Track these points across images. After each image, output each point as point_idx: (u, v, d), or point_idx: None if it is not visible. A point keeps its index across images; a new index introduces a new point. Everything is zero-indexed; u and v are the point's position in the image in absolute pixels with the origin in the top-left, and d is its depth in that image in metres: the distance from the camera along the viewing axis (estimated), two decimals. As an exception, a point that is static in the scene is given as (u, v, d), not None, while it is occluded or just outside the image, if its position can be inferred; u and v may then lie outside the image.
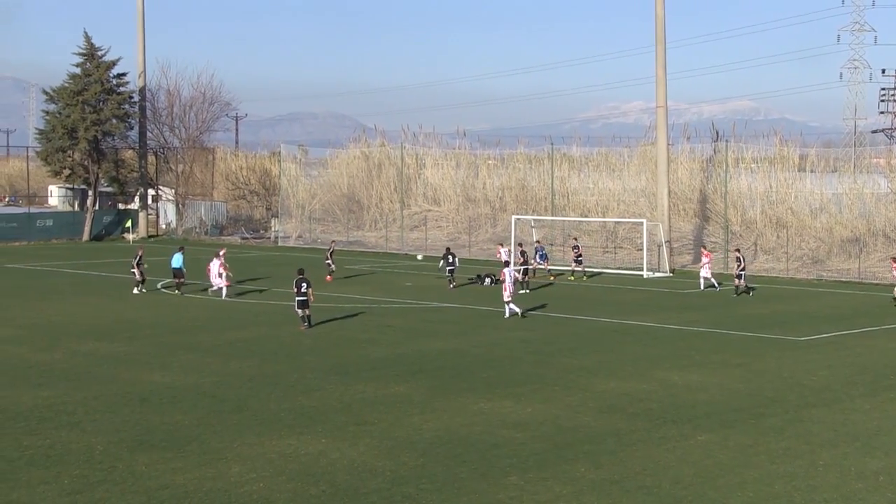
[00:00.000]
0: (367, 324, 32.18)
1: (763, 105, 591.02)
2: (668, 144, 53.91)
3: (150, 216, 75.87)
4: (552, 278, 46.68)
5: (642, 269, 48.83)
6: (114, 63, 70.17)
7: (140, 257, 40.29)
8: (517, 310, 33.61)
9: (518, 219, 53.87)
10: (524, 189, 65.90)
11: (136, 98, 73.11)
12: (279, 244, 68.12)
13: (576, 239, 50.41)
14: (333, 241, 50.95)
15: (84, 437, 18.10)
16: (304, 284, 30.50)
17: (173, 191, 77.82)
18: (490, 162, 70.58)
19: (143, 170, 74.86)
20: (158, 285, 41.56)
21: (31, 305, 36.39)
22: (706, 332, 31.22)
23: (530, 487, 15.47)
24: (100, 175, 71.02)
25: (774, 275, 49.37)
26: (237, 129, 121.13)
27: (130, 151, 75.20)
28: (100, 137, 69.29)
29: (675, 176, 57.98)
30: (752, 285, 42.55)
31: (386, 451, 17.34)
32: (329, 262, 45.45)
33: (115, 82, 70.27)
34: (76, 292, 40.70)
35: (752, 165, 59.05)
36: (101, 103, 69.37)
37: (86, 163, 70.27)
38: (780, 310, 37.00)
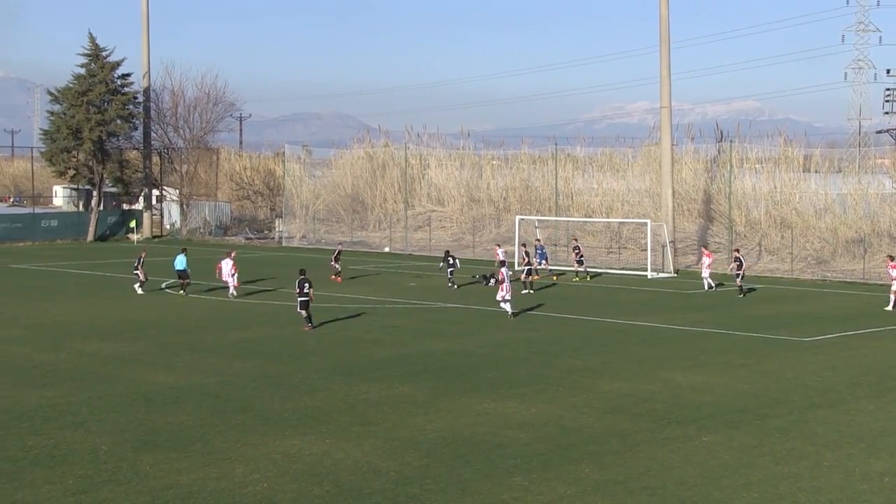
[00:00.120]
0: (371, 324, 32.18)
1: (767, 105, 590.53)
2: (673, 145, 53.90)
3: (154, 217, 75.96)
4: (554, 278, 46.68)
5: (646, 270, 48.81)
6: (118, 64, 70.31)
7: (142, 259, 40.28)
8: (509, 307, 33.56)
9: (522, 219, 53.89)
10: (528, 189, 65.89)
11: (141, 98, 73.24)
12: (283, 244, 68.19)
13: (576, 239, 50.38)
14: (341, 243, 50.88)
15: (89, 438, 18.12)
16: (307, 285, 30.51)
17: (177, 191, 77.91)
18: (494, 162, 70.58)
19: (147, 170, 74.96)
20: (163, 285, 41.60)
21: (35, 305, 36.43)
22: (710, 332, 31.18)
23: (534, 488, 15.46)
24: (104, 175, 71.13)
25: (779, 275, 49.32)
26: (241, 130, 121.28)
27: (135, 152, 75.32)
28: (104, 138, 69.40)
29: (679, 176, 57.96)
30: (752, 286, 42.51)
31: (390, 452, 17.34)
32: (334, 263, 45.45)
33: (119, 83, 70.41)
34: (81, 292, 40.75)
35: (757, 166, 59.03)
36: (105, 104, 69.50)
37: (90, 163, 70.38)
38: (784, 310, 36.96)
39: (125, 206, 77.15)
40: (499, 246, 48.82)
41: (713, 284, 42.56)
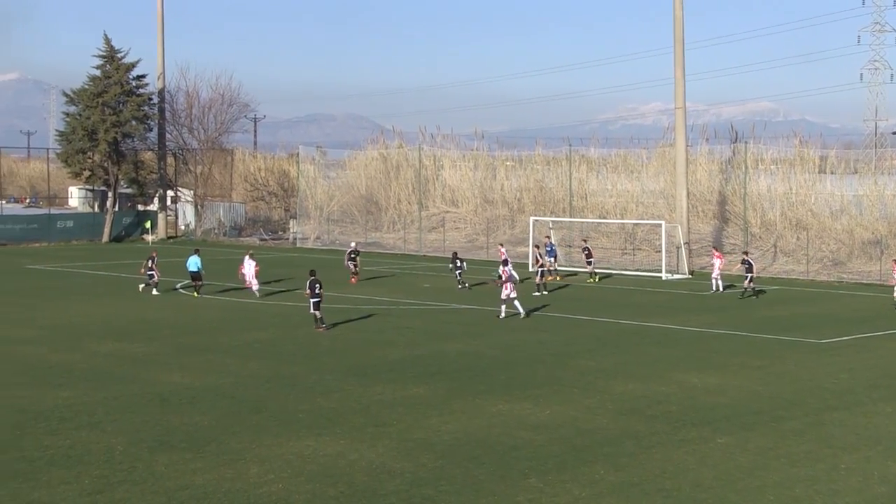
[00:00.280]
0: (385, 325, 32.19)
1: (782, 106, 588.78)
2: (687, 146, 53.73)
3: (168, 217, 76.19)
4: (558, 278, 46.56)
5: (661, 271, 48.69)
6: (133, 65, 70.55)
7: (155, 260, 40.30)
8: (503, 309, 33.52)
9: (536, 220, 53.82)
10: (542, 190, 65.81)
11: (156, 100, 73.50)
12: (297, 245, 68.29)
13: (585, 241, 50.28)
14: (356, 243, 50.69)
15: (104, 438, 18.17)
16: (318, 286, 30.56)
17: (192, 192, 78.14)
18: (508, 163, 70.51)
19: (162, 171, 75.21)
20: (177, 286, 41.71)
21: (51, 306, 36.58)
22: (725, 334, 31.07)
23: (549, 489, 15.43)
24: (119, 176, 71.38)
25: (794, 277, 49.11)
26: (255, 131, 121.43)
27: (150, 153, 75.59)
28: (119, 139, 69.66)
29: (693, 177, 57.78)
30: (762, 288, 42.34)
31: (404, 453, 17.33)
32: (352, 263, 45.31)
33: (134, 84, 70.66)
34: (96, 293, 40.89)
35: (772, 167, 58.80)
36: (120, 105, 69.78)
37: (105, 164, 70.65)
38: (800, 312, 36.80)
39: (140, 207, 77.41)
40: (501, 245, 48.84)
41: (721, 287, 42.36)
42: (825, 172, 57.57)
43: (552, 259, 46.46)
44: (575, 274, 48.71)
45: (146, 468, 16.32)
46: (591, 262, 47.27)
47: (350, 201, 72.98)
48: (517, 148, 72.60)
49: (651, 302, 39.69)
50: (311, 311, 30.77)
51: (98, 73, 70.01)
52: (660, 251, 50.21)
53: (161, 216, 75.05)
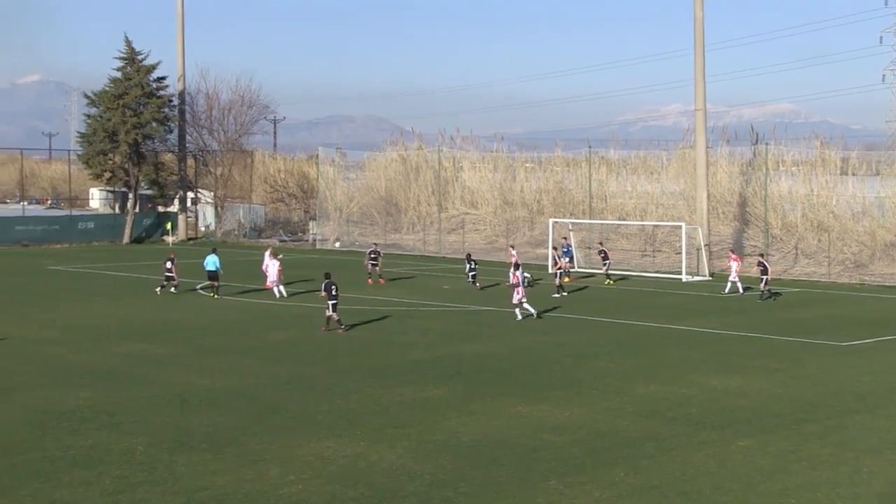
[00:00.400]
0: (404, 326, 32.20)
1: (803, 108, 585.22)
2: (707, 147, 53.53)
3: (189, 219, 76.53)
4: (569, 279, 46.44)
5: (681, 273, 48.52)
6: (154, 67, 70.91)
7: (174, 261, 40.39)
8: (519, 312, 33.49)
9: (556, 222, 53.68)
10: (562, 192, 65.70)
11: (176, 101, 73.83)
12: (317, 247, 68.44)
13: (601, 243, 50.15)
14: (376, 243, 50.68)
15: (125, 438, 18.25)
16: (334, 287, 30.62)
17: (212, 193, 78.45)
18: (527, 165, 70.44)
19: (182, 173, 75.54)
20: (198, 287, 41.87)
21: (72, 307, 36.80)
22: (746, 336, 30.93)
23: (569, 492, 15.39)
24: (140, 178, 71.77)
25: (816, 279, 48.83)
26: (275, 133, 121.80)
27: (170, 154, 75.94)
28: (140, 141, 70.04)
29: (714, 179, 57.53)
30: (778, 290, 42.11)
31: (424, 455, 17.32)
32: (373, 262, 45.28)
33: (154, 86, 71.02)
34: (117, 294, 41.10)
35: (793, 168, 58.45)
36: (141, 107, 70.14)
37: (126, 166, 71.05)
38: (821, 314, 36.59)
39: (160, 209, 77.78)
40: (512, 247, 48.80)
41: (741, 289, 42.13)
42: (847, 174, 57.18)
43: (567, 259, 46.43)
44: (592, 276, 48.57)
45: (166, 469, 16.38)
46: (606, 263, 47.18)
47: (369, 203, 73.09)
48: (536, 149, 72.58)
49: (671, 304, 39.55)
50: (329, 312, 30.82)
51: (119, 74, 70.41)
52: (680, 253, 50.04)
53: (181, 218, 75.37)
